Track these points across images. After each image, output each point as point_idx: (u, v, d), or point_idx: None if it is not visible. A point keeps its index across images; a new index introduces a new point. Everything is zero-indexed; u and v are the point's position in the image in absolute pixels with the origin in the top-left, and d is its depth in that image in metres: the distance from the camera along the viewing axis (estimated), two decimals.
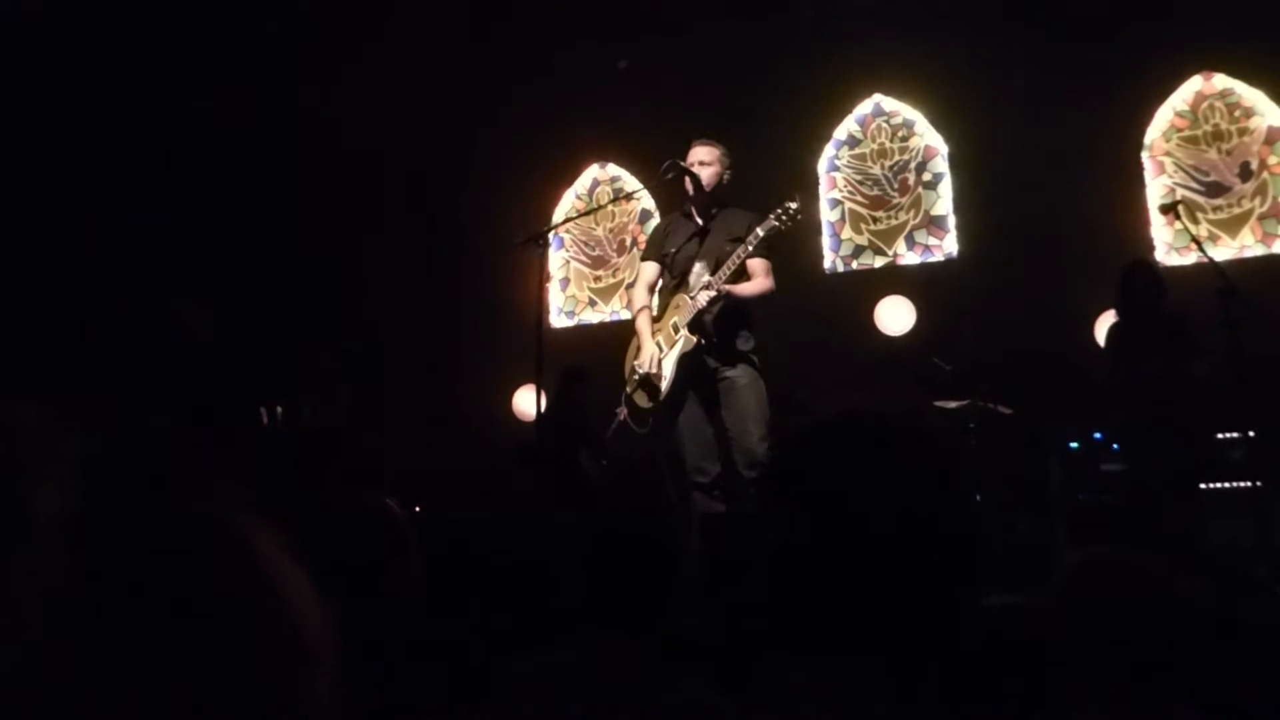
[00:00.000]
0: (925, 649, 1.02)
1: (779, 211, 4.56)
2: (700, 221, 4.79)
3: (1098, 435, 5.58)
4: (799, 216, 4.59)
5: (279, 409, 5.97)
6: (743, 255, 4.55)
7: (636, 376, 4.80)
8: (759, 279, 4.65)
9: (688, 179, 4.73)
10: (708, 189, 4.73)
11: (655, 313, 4.86)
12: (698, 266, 4.67)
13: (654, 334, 4.77)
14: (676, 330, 4.68)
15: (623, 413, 4.94)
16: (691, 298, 4.61)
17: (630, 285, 8.65)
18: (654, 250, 4.96)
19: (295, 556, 0.91)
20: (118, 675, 0.78)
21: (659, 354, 4.72)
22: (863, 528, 1.03)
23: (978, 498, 5.45)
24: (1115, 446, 5.46)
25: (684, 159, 4.74)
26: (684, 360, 4.65)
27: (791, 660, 1.04)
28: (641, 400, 4.82)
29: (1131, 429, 5.18)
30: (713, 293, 4.50)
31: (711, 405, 4.69)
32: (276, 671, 0.83)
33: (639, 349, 4.82)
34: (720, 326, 4.63)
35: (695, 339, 4.61)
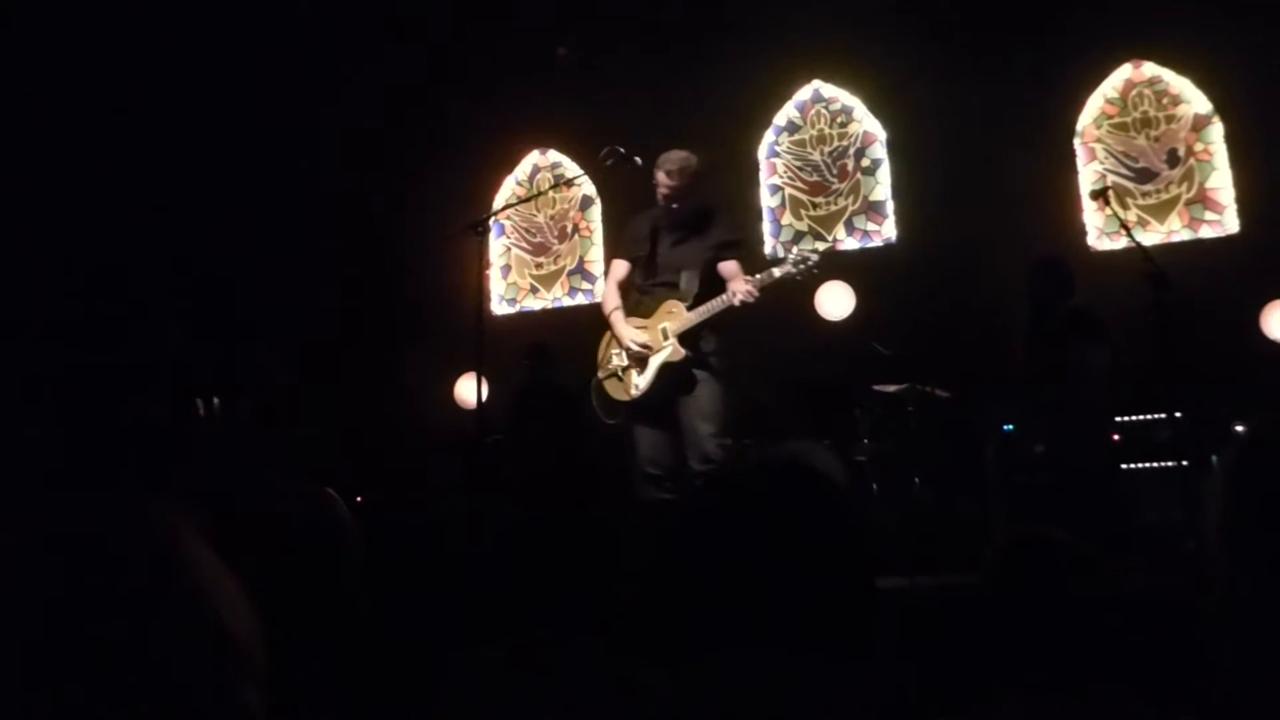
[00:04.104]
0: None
1: (798, 261, 4.74)
2: (674, 225, 4.92)
3: None
4: (815, 270, 4.79)
5: (215, 401, 5.88)
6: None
7: (613, 367, 4.93)
8: (739, 278, 4.84)
9: (669, 184, 4.83)
10: (681, 196, 4.85)
11: (632, 309, 4.97)
12: (685, 274, 4.84)
13: (639, 329, 4.87)
14: (666, 336, 4.80)
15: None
16: (688, 307, 4.77)
17: (573, 272, 8.65)
18: (625, 250, 5.09)
19: (224, 550, 0.88)
20: (31, 681, 0.75)
21: (646, 352, 4.83)
22: (770, 556, 1.16)
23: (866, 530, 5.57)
24: (1008, 428, 5.63)
25: (653, 179, 4.86)
26: (666, 368, 4.79)
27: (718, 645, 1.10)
28: (616, 392, 4.94)
29: (1035, 416, 5.40)
30: (719, 308, 4.69)
31: (670, 401, 4.82)
32: (203, 673, 0.80)
33: (617, 341, 4.92)
34: (693, 331, 4.81)
35: (685, 352, 4.76)
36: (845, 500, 1.25)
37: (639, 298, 5.00)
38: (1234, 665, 1.06)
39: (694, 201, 4.92)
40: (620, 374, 4.91)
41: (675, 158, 4.82)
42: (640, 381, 4.83)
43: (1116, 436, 5.44)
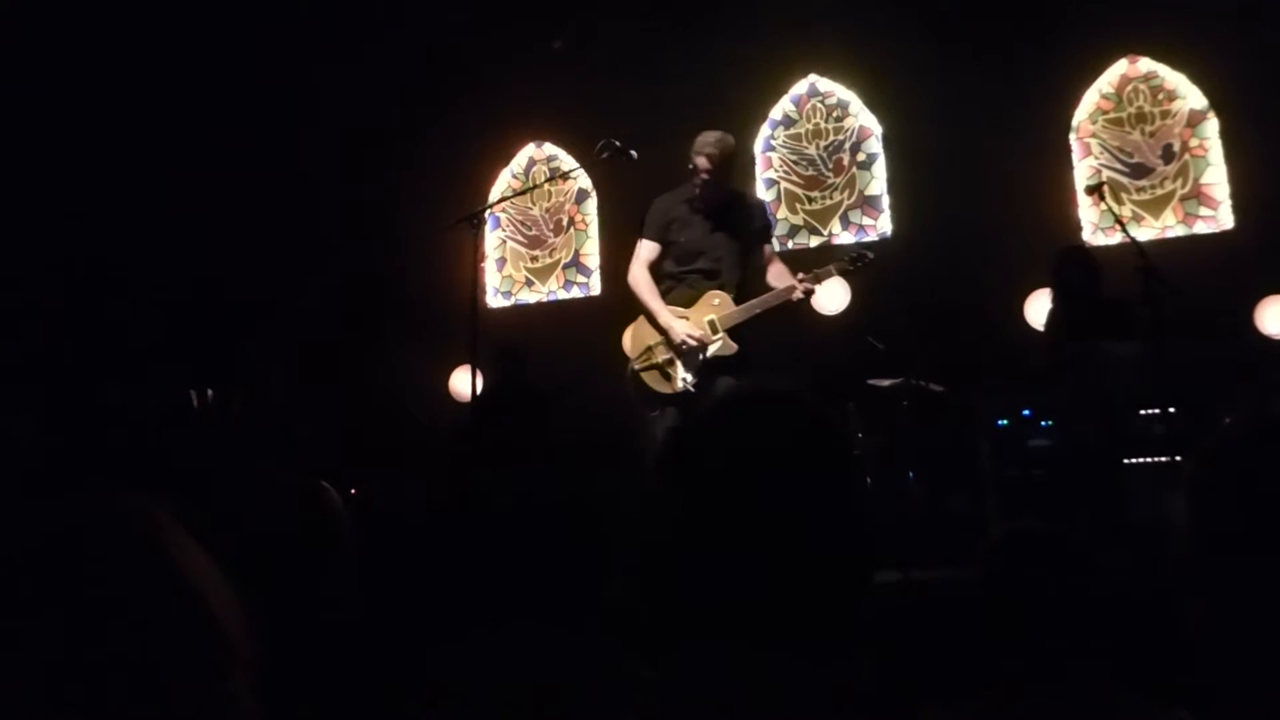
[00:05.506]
0: (819, 624, 1.04)
1: (854, 258, 4.85)
2: (710, 209, 4.73)
3: (1026, 412, 5.70)
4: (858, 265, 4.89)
5: (210, 393, 5.87)
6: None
7: (658, 360, 4.69)
8: (777, 263, 4.89)
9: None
10: (722, 178, 4.71)
11: (666, 295, 4.76)
12: (727, 262, 4.69)
13: (685, 320, 4.66)
14: (715, 329, 4.63)
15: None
16: (735, 299, 4.65)
17: (568, 265, 8.64)
18: (656, 232, 4.82)
19: (213, 541, 0.88)
20: (17, 677, 0.74)
21: (699, 346, 4.63)
22: (754, 509, 1.04)
23: (869, 480, 5.55)
24: (1043, 423, 5.60)
25: (689, 161, 4.69)
26: (717, 362, 4.63)
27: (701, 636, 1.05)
28: (657, 384, 4.72)
29: (1058, 407, 5.35)
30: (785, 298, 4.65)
31: (704, 395, 4.62)
32: (190, 662, 0.79)
33: (663, 333, 4.68)
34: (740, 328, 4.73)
35: (735, 347, 4.62)
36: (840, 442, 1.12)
37: (672, 284, 4.77)
38: (1215, 662, 1.06)
39: (729, 184, 4.82)
40: (664, 366, 4.68)
41: (712, 139, 4.65)
42: (689, 375, 4.62)
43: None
